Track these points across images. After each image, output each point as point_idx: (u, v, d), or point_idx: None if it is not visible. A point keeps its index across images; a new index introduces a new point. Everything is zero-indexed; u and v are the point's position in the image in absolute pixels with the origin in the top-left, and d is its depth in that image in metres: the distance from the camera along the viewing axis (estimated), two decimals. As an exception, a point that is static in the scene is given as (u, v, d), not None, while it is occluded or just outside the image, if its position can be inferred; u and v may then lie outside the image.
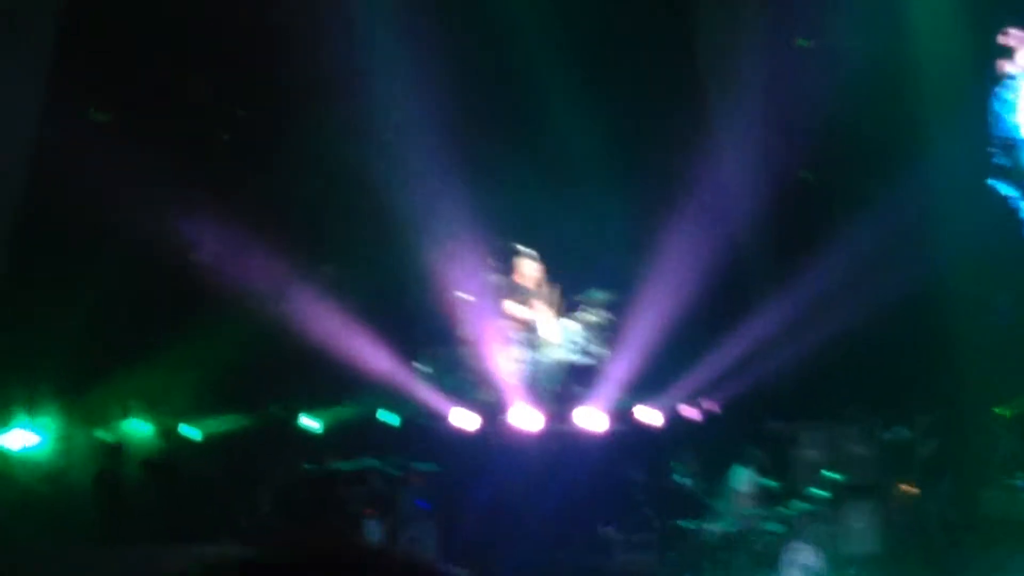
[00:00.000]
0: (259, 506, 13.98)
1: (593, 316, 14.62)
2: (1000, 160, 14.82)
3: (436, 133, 14.24)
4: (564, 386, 14.61)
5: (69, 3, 13.99)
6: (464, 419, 14.21)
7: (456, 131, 14.22)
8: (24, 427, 13.67)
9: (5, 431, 13.52)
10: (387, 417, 14.53)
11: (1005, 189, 14.73)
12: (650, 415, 14.58)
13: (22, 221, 13.49)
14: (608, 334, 14.67)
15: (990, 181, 15.27)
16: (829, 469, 14.42)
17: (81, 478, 13.87)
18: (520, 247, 14.58)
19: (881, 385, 15.14)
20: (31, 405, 13.91)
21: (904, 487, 14.93)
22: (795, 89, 14.81)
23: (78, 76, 13.55)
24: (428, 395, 14.40)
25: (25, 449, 13.62)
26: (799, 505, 14.11)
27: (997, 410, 15.46)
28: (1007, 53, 14.22)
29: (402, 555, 1.37)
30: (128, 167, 12.92)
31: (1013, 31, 15.39)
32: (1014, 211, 14.52)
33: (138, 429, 14.25)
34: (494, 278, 14.61)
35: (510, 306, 14.39)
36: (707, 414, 14.99)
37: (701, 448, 14.71)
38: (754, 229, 15.40)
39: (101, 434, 14.11)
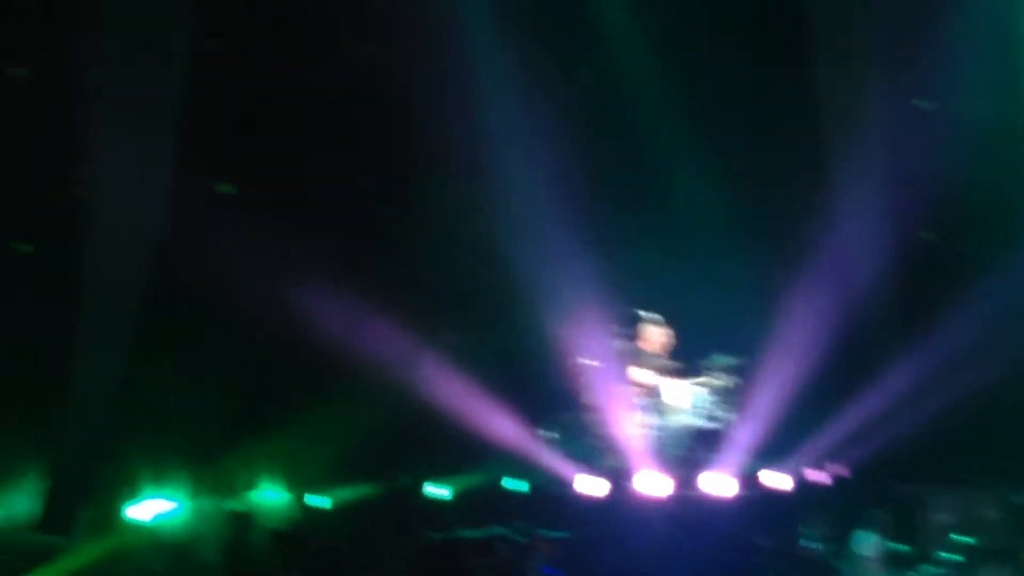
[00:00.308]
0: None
1: (719, 381, 14.61)
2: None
3: (563, 203, 14.47)
4: (690, 451, 14.59)
5: (194, 76, 14.07)
6: (591, 485, 14.21)
7: (582, 201, 14.49)
8: (155, 497, 13.89)
9: (135, 503, 13.66)
10: (513, 484, 14.72)
11: None
12: (777, 479, 14.65)
13: (153, 293, 13.55)
14: (734, 398, 14.70)
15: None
16: (959, 533, 14.15)
17: (210, 548, 13.88)
18: (645, 313, 14.61)
19: (1011, 448, 14.82)
20: (160, 475, 14.10)
21: None
22: (917, 151, 14.87)
23: (204, 150, 13.80)
24: (554, 462, 14.46)
25: (158, 517, 13.78)
26: (929, 570, 13.65)
27: None
28: None
29: None
30: (257, 240, 13.38)
31: None
32: None
33: (267, 499, 14.51)
34: (619, 344, 14.60)
35: (636, 372, 14.44)
36: (835, 478, 15.03)
37: (829, 512, 14.34)
38: (879, 291, 15.46)
39: (230, 504, 14.31)
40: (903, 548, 13.92)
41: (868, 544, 13.50)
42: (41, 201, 13.95)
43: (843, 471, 14.91)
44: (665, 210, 15.71)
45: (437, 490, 14.48)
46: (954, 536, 14.10)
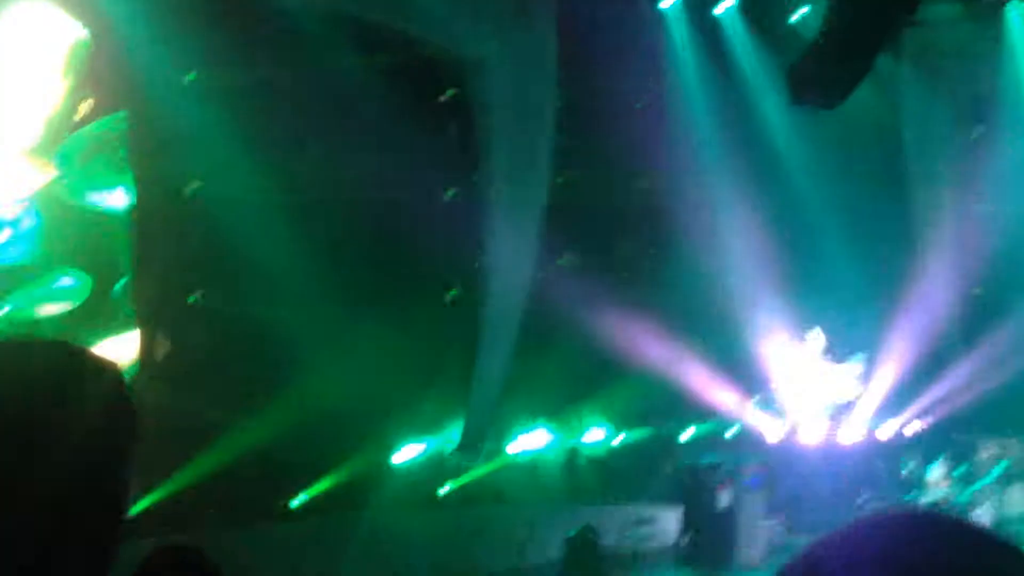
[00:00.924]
0: (657, 487, 18.33)
1: (853, 369, 19.60)
2: None
3: (761, 261, 18.30)
4: (836, 413, 19.70)
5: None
6: (776, 433, 19.42)
7: (768, 262, 18.39)
8: (527, 433, 18.03)
9: (514, 440, 18.07)
10: (735, 430, 19.65)
11: None
12: (887, 431, 19.80)
13: (525, 318, 16.87)
14: (862, 380, 19.73)
15: None
16: (995, 464, 18.67)
17: (554, 469, 18.56)
18: (810, 328, 19.68)
19: None
20: (527, 423, 18.20)
21: None
22: (972, 235, 19.09)
23: (552, 237, 17.23)
24: (757, 418, 19.57)
25: (527, 451, 18.10)
26: (978, 484, 18.32)
27: None
28: None
29: None
30: (590, 299, 16.86)
31: None
32: None
33: (592, 437, 18.80)
34: (797, 347, 19.53)
35: (806, 364, 19.40)
36: (922, 429, 19.84)
37: (918, 450, 19.10)
38: (951, 317, 19.43)
39: (571, 440, 18.75)
40: (959, 472, 18.41)
41: (938, 472, 18.20)
42: (457, 272, 17.41)
43: (925, 426, 19.74)
44: (818, 265, 19.14)
45: (686, 434, 19.21)
46: (999, 465, 18.53)
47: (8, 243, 14.56)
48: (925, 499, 18.21)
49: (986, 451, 18.98)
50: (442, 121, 16.83)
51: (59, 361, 1.79)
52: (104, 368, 1.80)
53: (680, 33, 18.23)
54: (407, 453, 17.04)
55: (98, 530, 1.72)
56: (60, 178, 14.88)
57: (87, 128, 15.10)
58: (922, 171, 19.68)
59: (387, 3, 15.41)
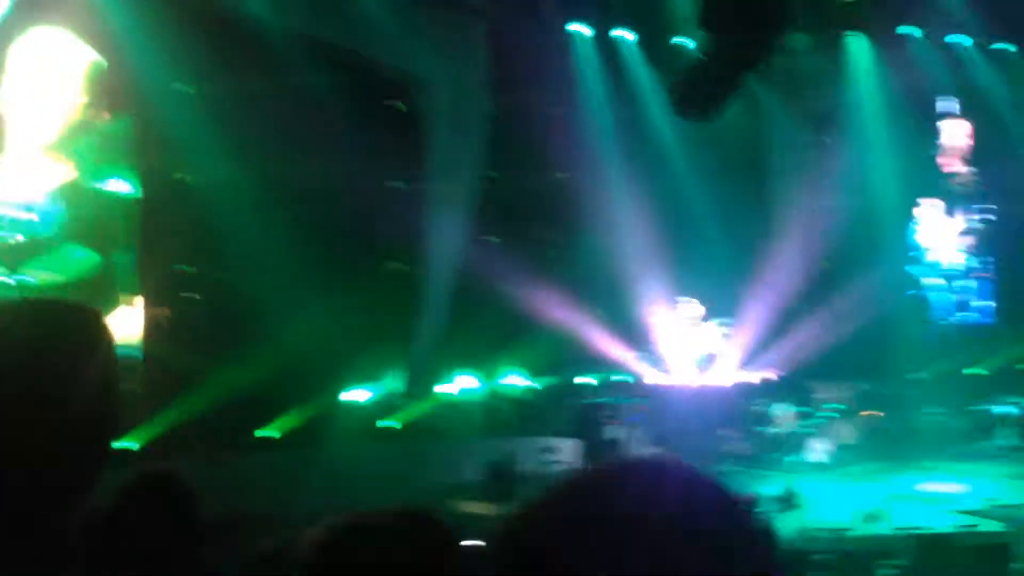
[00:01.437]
0: (560, 423, 18.09)
1: (721, 328, 19.76)
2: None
3: (646, 238, 18.56)
4: (706, 363, 19.68)
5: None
6: (658, 378, 19.39)
7: (656, 239, 18.57)
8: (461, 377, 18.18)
9: (450, 382, 18.16)
10: (624, 377, 19.46)
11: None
12: (748, 377, 19.80)
13: (455, 282, 17.50)
14: (726, 338, 19.81)
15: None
16: (831, 404, 19.37)
17: (480, 410, 18.63)
18: (686, 296, 19.73)
19: (861, 363, 19.71)
20: (463, 367, 18.32)
21: (866, 413, 19.74)
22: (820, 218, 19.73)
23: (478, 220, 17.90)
24: (643, 368, 19.49)
25: (462, 391, 18.23)
26: (815, 420, 19.00)
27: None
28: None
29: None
30: (510, 271, 16.91)
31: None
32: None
33: (512, 382, 19.09)
34: (674, 311, 19.69)
35: (683, 324, 19.68)
36: (775, 376, 19.91)
37: (772, 392, 19.55)
38: (803, 285, 19.78)
39: (496, 384, 18.97)
40: (806, 409, 19.21)
41: (785, 411, 19.12)
42: (403, 249, 17.73)
43: (776, 373, 19.96)
44: (699, 242, 19.36)
45: (582, 380, 19.31)
46: (828, 405, 19.41)
47: (34, 223, 14.96)
48: (776, 430, 19.07)
49: (823, 394, 19.72)
50: (392, 126, 17.06)
51: (52, 312, 1.75)
52: (88, 318, 1.73)
53: (585, 53, 18.67)
54: (360, 395, 17.60)
55: (82, 451, 1.62)
56: (81, 169, 15.36)
57: (100, 128, 15.60)
58: (780, 170, 20.69)
59: (349, 30, 16.03)
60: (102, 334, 1.74)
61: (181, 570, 2.65)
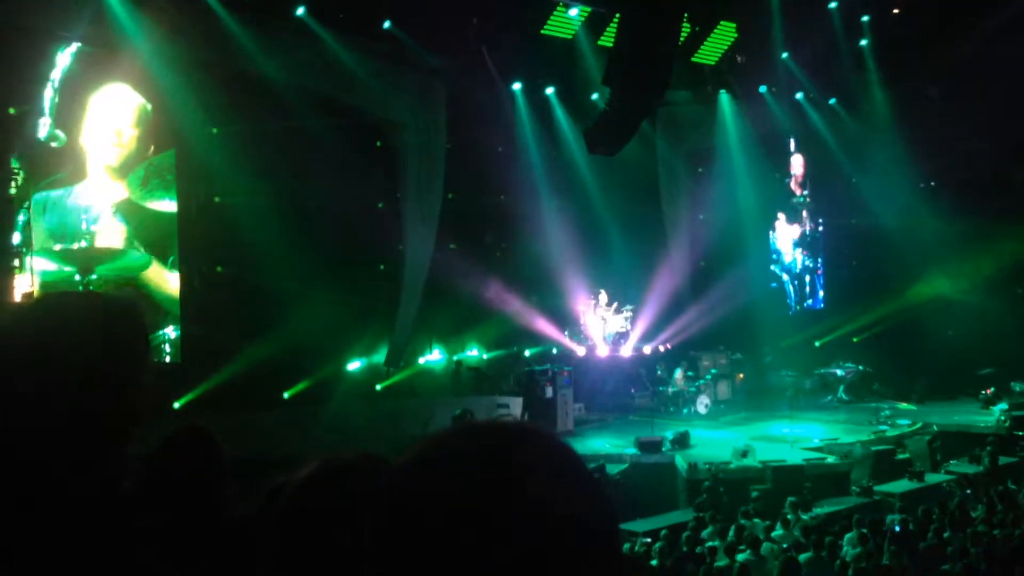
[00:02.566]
0: (509, 385, 17.91)
1: (626, 313, 19.65)
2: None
3: (573, 243, 18.34)
4: (615, 339, 19.63)
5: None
6: (580, 351, 19.24)
7: (574, 248, 18.44)
8: (430, 352, 18.19)
9: (423, 356, 18.00)
10: (555, 349, 19.19)
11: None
12: (648, 349, 19.88)
13: (429, 277, 16.89)
14: (631, 319, 19.69)
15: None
16: (712, 369, 19.22)
17: (441, 376, 18.20)
18: (599, 288, 19.61)
19: (734, 337, 19.78)
20: (431, 343, 18.22)
21: (739, 375, 19.67)
22: (701, 229, 19.92)
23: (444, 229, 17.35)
24: (569, 343, 19.36)
25: (429, 362, 18.20)
26: (700, 382, 18.83)
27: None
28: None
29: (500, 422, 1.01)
30: (468, 270, 16.98)
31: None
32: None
33: (469, 353, 18.68)
34: (591, 300, 19.63)
35: (598, 310, 19.61)
36: (668, 348, 19.89)
37: (666, 361, 19.39)
38: (688, 277, 19.96)
39: (456, 355, 18.49)
40: (692, 374, 19.02)
41: (678, 375, 18.90)
42: (385, 254, 17.40)
43: (670, 345, 19.91)
44: (605, 250, 19.23)
45: (529, 351, 18.91)
46: (712, 370, 19.26)
47: (98, 233, 14.86)
48: (670, 391, 18.85)
49: (706, 361, 19.48)
50: (374, 159, 17.07)
51: (102, 300, 1.65)
52: (128, 305, 1.63)
53: (523, 103, 18.31)
54: (355, 365, 17.33)
55: (116, 409, 1.52)
56: (133, 190, 15.19)
57: (150, 160, 15.37)
58: (668, 193, 20.37)
59: (341, 85, 15.66)
60: (138, 317, 1.63)
61: (209, 503, 2.49)
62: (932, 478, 14.03)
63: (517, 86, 18.08)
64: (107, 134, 14.57)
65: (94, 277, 14.57)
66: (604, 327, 19.53)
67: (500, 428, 1.00)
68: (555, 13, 16.99)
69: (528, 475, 0.93)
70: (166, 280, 15.35)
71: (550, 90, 18.51)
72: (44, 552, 1.38)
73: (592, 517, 0.95)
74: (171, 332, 15.21)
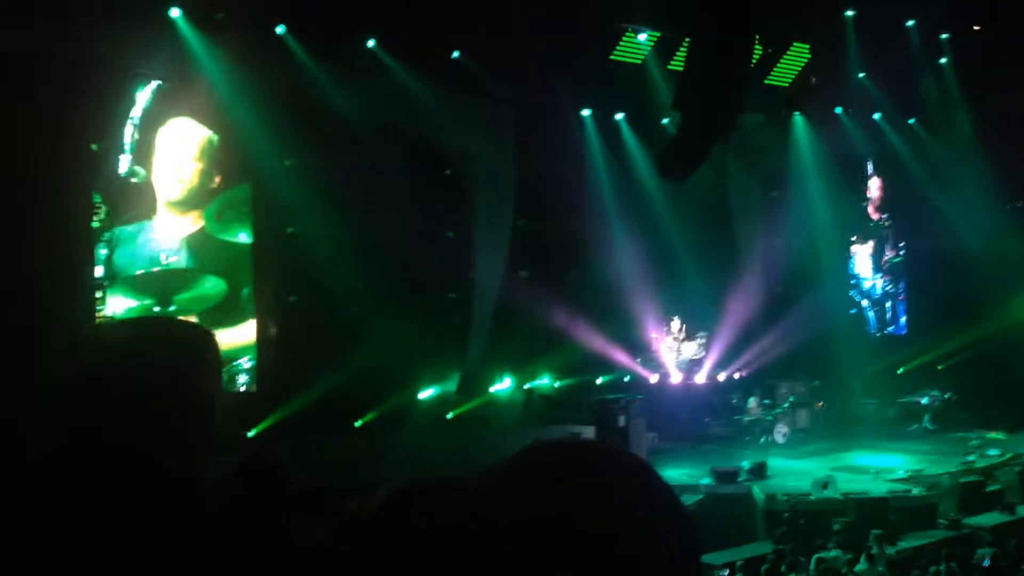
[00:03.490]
0: (581, 414, 17.44)
1: (700, 340, 20.04)
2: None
3: (640, 278, 18.33)
4: (689, 367, 19.89)
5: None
6: (653, 378, 19.40)
7: (647, 275, 18.36)
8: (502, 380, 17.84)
9: (496, 383, 17.98)
10: (627, 377, 19.24)
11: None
12: (723, 376, 19.91)
13: (500, 304, 16.94)
14: (705, 346, 19.99)
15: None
16: (788, 397, 19.23)
17: (511, 405, 18.01)
18: (672, 315, 19.92)
19: (812, 364, 19.56)
20: (503, 372, 18.02)
21: (820, 403, 19.72)
22: (775, 255, 19.63)
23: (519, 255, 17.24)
24: (641, 371, 19.56)
25: (500, 391, 17.91)
26: (777, 410, 18.78)
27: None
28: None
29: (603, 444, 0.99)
30: (539, 298, 16.60)
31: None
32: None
33: (540, 382, 18.56)
34: (664, 327, 19.93)
35: (671, 337, 19.91)
36: (744, 375, 19.94)
37: (742, 389, 19.44)
38: (764, 305, 19.57)
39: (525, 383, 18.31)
40: (768, 402, 19.06)
41: (753, 403, 19.03)
42: (456, 282, 17.45)
43: (744, 373, 19.96)
44: (680, 274, 18.94)
45: (599, 380, 18.83)
46: (789, 399, 19.28)
47: (174, 263, 15.20)
48: (746, 419, 18.79)
49: (783, 389, 19.44)
50: (444, 189, 16.88)
51: (177, 327, 1.72)
52: (201, 332, 1.67)
53: (593, 129, 18.31)
54: (427, 393, 17.35)
55: (189, 434, 1.54)
56: (208, 223, 15.49)
57: (225, 193, 15.68)
58: (741, 217, 20.20)
59: (411, 115, 15.76)
60: (210, 346, 1.64)
61: (272, 532, 2.39)
62: (1024, 511, 13.55)
63: (587, 112, 18.11)
64: (170, 169, 14.94)
65: (172, 308, 14.90)
66: (677, 354, 19.57)
67: (583, 445, 1.00)
68: (624, 38, 17.02)
69: (614, 490, 0.94)
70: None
71: (620, 115, 18.50)
72: (113, 569, 1.41)
73: (678, 532, 0.95)
74: (246, 363, 15.51)
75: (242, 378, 15.52)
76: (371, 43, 15.07)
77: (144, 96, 14.35)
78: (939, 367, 20.27)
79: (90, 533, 1.41)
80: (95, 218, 13.98)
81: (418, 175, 15.64)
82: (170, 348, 1.57)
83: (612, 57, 17.11)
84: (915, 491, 13.93)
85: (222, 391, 1.68)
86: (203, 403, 1.57)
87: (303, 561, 2.19)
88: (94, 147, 14.00)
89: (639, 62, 17.35)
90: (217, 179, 15.14)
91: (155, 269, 14.80)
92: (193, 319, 13.60)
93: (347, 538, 1.62)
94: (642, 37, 17.01)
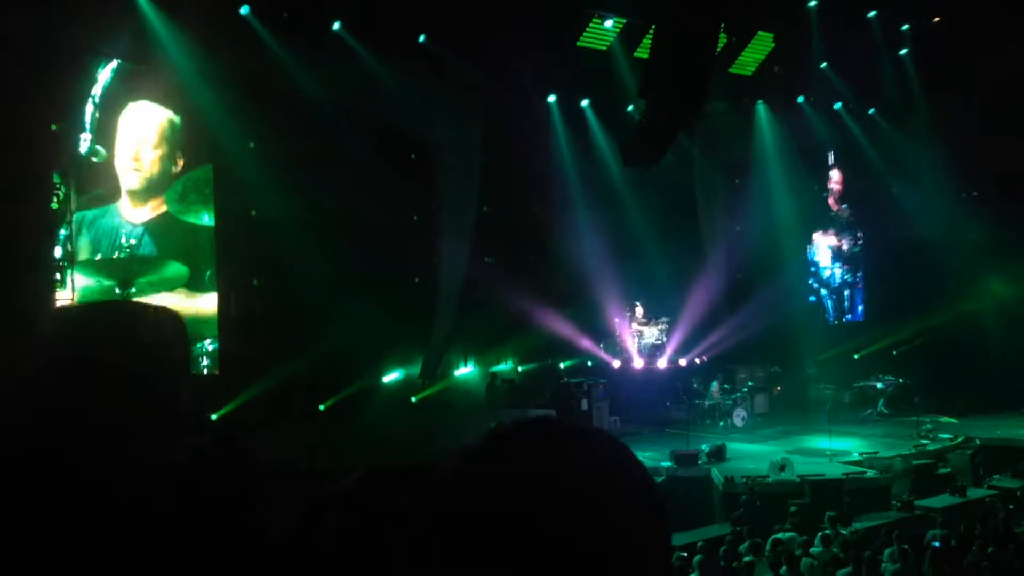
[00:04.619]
0: (543, 398, 17.68)
1: (661, 326, 19.70)
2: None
3: (604, 263, 18.30)
4: (651, 352, 19.65)
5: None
6: (615, 363, 19.32)
7: (610, 261, 18.36)
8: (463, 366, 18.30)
9: (458, 368, 18.24)
10: (590, 361, 19.29)
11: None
12: (684, 361, 19.74)
13: (463, 289, 16.75)
14: (667, 331, 19.71)
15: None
16: (747, 382, 19.20)
17: (473, 387, 18.31)
18: (634, 301, 19.61)
19: (770, 350, 19.66)
20: (466, 356, 18.21)
21: (777, 388, 19.67)
22: (736, 241, 19.91)
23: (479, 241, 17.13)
24: (604, 356, 19.47)
25: (463, 375, 18.23)
26: (736, 395, 18.75)
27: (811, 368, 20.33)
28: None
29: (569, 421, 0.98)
30: (502, 283, 16.68)
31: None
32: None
33: (501, 367, 18.81)
34: (627, 312, 19.65)
35: (633, 322, 19.59)
36: (704, 361, 19.80)
37: (702, 374, 19.32)
38: (724, 290, 19.63)
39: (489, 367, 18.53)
40: (728, 387, 18.98)
41: (713, 387, 18.86)
42: (420, 267, 17.42)
43: (705, 358, 19.81)
44: (641, 262, 19.04)
45: (561, 365, 19.06)
46: (748, 383, 19.22)
47: (136, 247, 15.13)
48: (706, 403, 18.69)
49: (742, 374, 19.46)
50: (410, 174, 16.93)
51: (143, 308, 1.65)
52: (169, 312, 1.64)
53: (558, 116, 18.32)
54: (391, 377, 17.45)
55: (158, 415, 1.53)
56: (171, 205, 15.38)
57: (188, 174, 15.56)
58: (704, 204, 20.25)
59: (377, 101, 15.63)
60: (178, 326, 1.62)
61: (241, 515, 2.30)
62: (975, 493, 13.84)
63: (552, 99, 18.10)
64: (132, 155, 14.85)
65: (133, 291, 14.79)
66: (640, 339, 19.45)
67: (553, 424, 0.99)
68: (590, 25, 17.01)
69: (584, 467, 0.94)
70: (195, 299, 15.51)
71: (585, 102, 18.47)
72: (79, 557, 1.39)
73: (648, 488, 0.96)
74: (209, 345, 15.44)
75: (205, 360, 15.44)
76: (336, 26, 14.97)
77: (104, 75, 14.20)
78: (894, 353, 20.57)
79: (56, 516, 1.40)
80: (55, 198, 13.89)
81: (384, 159, 15.50)
82: (138, 328, 1.56)
83: (578, 43, 17.12)
84: (869, 474, 14.06)
85: (190, 372, 1.69)
86: (172, 383, 1.55)
87: (272, 544, 2.21)
88: (54, 127, 13.88)
89: (605, 48, 17.36)
90: (179, 162, 15.05)
91: (116, 255, 14.71)
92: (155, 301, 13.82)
93: (316, 522, 1.61)
94: (608, 24, 17.02)
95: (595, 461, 0.96)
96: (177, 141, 14.79)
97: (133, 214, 14.59)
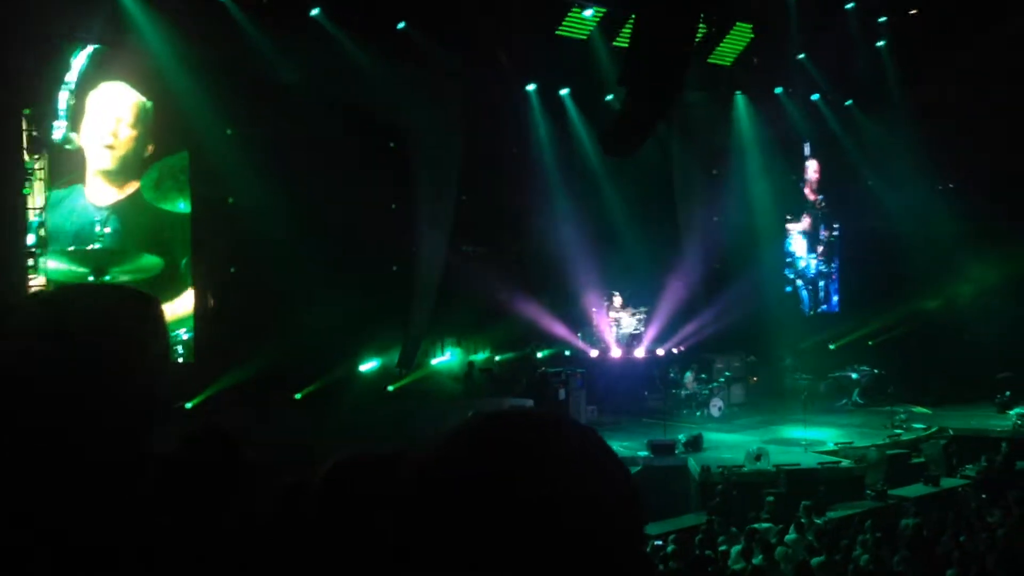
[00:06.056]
0: (521, 387, 17.71)
1: (639, 315, 19.99)
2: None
3: (582, 252, 18.31)
4: (629, 341, 19.83)
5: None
6: (593, 352, 19.41)
7: (589, 249, 18.30)
8: (442, 354, 18.13)
9: (435, 356, 18.06)
10: (567, 351, 19.13)
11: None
12: (661, 351, 19.89)
13: (442, 279, 16.79)
14: (645, 321, 19.93)
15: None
16: (724, 371, 19.32)
17: (485, 373, 18.25)
18: (612, 290, 19.80)
19: (747, 340, 19.85)
20: (444, 345, 18.22)
21: (753, 378, 19.84)
22: (714, 230, 19.80)
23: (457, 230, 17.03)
24: (581, 345, 19.48)
25: (442, 363, 18.19)
26: (713, 384, 18.88)
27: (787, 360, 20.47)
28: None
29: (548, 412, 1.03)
30: (481, 272, 16.81)
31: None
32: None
33: (480, 355, 18.70)
34: (605, 301, 19.76)
35: (611, 311, 19.78)
36: (682, 350, 19.85)
37: (679, 363, 19.27)
38: (700, 279, 19.65)
39: (468, 356, 18.46)
40: (704, 376, 19.05)
41: (689, 377, 18.87)
42: (398, 255, 17.00)
43: (682, 348, 19.88)
44: (620, 251, 18.98)
45: (539, 354, 18.81)
46: (726, 372, 19.32)
47: (108, 234, 14.85)
48: (683, 393, 18.73)
49: (719, 364, 19.49)
50: (387, 162, 16.78)
51: (119, 293, 1.64)
52: (146, 296, 1.62)
53: (537, 105, 18.18)
54: (368, 366, 17.31)
55: (136, 399, 1.51)
56: (147, 191, 15.16)
57: (162, 161, 15.30)
58: (682, 194, 20.20)
59: (354, 88, 15.68)
60: (157, 313, 1.60)
61: (223, 501, 2.35)
62: (948, 482, 14.06)
63: (532, 87, 18.03)
64: (101, 134, 14.54)
65: (107, 279, 14.63)
66: (617, 329, 19.52)
67: (530, 415, 1.02)
68: (570, 14, 16.96)
69: (559, 458, 0.96)
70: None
71: (565, 91, 18.41)
72: (57, 544, 1.38)
73: (622, 477, 1.00)
74: (184, 333, 15.29)
75: (179, 349, 15.33)
76: (315, 11, 14.84)
77: (80, 61, 14.04)
78: (869, 343, 20.73)
79: (30, 501, 1.38)
80: (27, 185, 13.72)
81: (361, 147, 15.41)
82: (116, 311, 1.54)
83: (558, 32, 17.07)
84: (844, 463, 14.19)
85: (169, 357, 1.67)
86: (150, 367, 1.54)
87: (253, 531, 2.21)
88: (26, 112, 13.71)
89: (585, 37, 17.33)
90: (150, 147, 14.84)
91: (90, 247, 14.53)
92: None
93: (294, 509, 1.64)
94: (588, 12, 16.96)
95: (569, 450, 0.98)
96: (149, 125, 14.61)
97: (100, 196, 14.38)
